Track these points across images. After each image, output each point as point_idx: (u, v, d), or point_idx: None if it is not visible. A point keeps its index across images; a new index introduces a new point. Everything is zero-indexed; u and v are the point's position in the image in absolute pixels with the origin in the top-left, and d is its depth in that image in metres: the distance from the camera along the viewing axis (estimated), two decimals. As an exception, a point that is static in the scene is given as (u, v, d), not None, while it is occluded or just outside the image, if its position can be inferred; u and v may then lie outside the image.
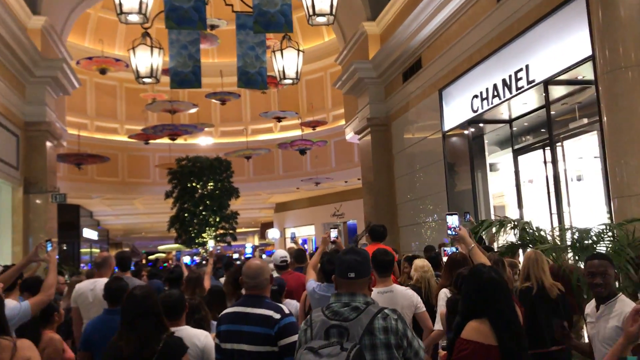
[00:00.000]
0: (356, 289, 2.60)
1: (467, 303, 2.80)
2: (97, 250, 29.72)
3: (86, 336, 4.00)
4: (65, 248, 23.75)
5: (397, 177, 13.34)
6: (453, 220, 3.74)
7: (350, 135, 16.27)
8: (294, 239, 9.81)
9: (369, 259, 2.75)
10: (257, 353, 3.12)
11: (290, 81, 7.62)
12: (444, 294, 4.58)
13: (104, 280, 4.95)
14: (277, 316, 3.16)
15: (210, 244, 19.52)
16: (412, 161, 12.51)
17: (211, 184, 20.71)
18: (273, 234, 29.51)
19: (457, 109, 10.42)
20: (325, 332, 2.50)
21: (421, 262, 5.59)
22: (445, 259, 6.35)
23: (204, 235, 20.76)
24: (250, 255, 37.75)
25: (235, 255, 39.90)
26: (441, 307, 4.53)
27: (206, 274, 6.69)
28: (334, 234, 5.55)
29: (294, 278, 6.09)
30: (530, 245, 6.26)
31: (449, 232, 3.71)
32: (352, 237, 13.18)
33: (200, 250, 21.24)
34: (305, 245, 28.73)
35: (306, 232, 28.08)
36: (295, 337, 2.92)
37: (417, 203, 12.23)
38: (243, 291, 3.45)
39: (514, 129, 9.70)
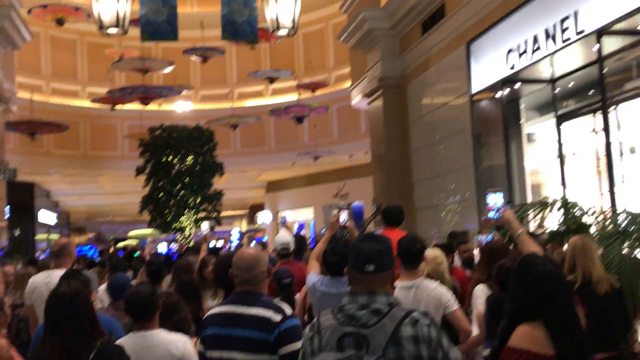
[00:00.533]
0: (376, 286, 2.48)
1: (516, 302, 2.77)
2: (56, 237, 29.75)
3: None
4: (17, 234, 23.69)
5: (413, 150, 13.33)
6: (496, 200, 3.53)
7: (357, 100, 16.28)
8: (284, 223, 9.71)
9: (392, 247, 2.60)
10: None
11: (285, 32, 7.42)
12: (481, 291, 4.47)
13: (62, 272, 4.99)
14: (278, 317, 3.14)
15: (204, 226, 19.47)
16: (432, 131, 12.47)
17: (190, 158, 20.71)
18: (264, 217, 29.57)
19: (488, 66, 10.30)
20: (338, 342, 2.42)
21: (433, 253, 5.55)
22: (476, 250, 6.24)
23: (182, 219, 20.79)
24: (237, 243, 37.95)
25: (220, 243, 39.99)
26: (478, 306, 4.49)
27: (197, 263, 6.63)
28: (343, 216, 5.53)
29: (297, 269, 6.09)
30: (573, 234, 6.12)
31: (492, 214, 3.51)
32: (359, 221, 13.13)
33: (178, 236, 21.19)
34: (302, 232, 28.83)
35: (303, 216, 28.15)
36: (299, 344, 2.83)
37: (438, 181, 12.22)
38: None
39: (558, 90, 9.60)
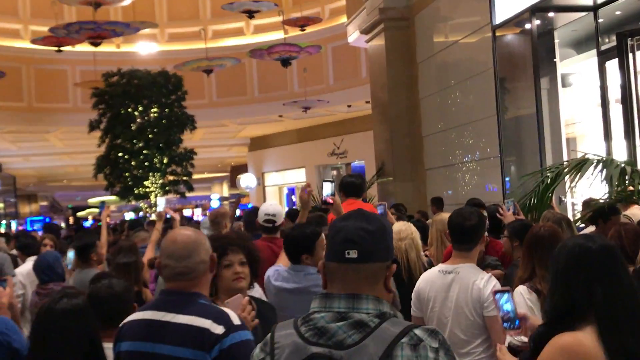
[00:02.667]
0: (361, 285, 2.10)
1: (557, 297, 2.55)
2: (0, 205, 29.50)
3: None
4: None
5: (422, 97, 13.26)
6: (504, 301, 3.43)
7: (354, 37, 16.21)
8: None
9: (388, 230, 2.20)
10: None
11: None
12: (522, 295, 4.04)
13: None
14: (218, 330, 2.76)
15: (160, 201, 19.24)
16: (445, 73, 12.39)
17: (155, 109, 20.66)
18: (247, 180, 29.59)
19: None
20: None
21: (398, 226, 5.42)
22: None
23: (146, 183, 20.72)
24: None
25: (195, 212, 39.84)
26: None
27: (150, 242, 6.62)
28: (327, 189, 5.31)
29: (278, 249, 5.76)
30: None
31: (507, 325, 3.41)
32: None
33: (142, 205, 21.00)
34: (293, 197, 28.66)
35: (293, 178, 28.28)
36: None
37: (453, 135, 12.16)
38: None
39: (601, 20, 9.41)
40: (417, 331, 2.02)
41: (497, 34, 10.66)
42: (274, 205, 6.15)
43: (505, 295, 3.41)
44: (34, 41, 18.36)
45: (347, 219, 2.19)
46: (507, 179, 10.56)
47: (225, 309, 2.88)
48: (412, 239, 5.39)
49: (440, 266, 4.27)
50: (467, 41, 11.56)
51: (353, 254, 2.09)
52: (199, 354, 2.73)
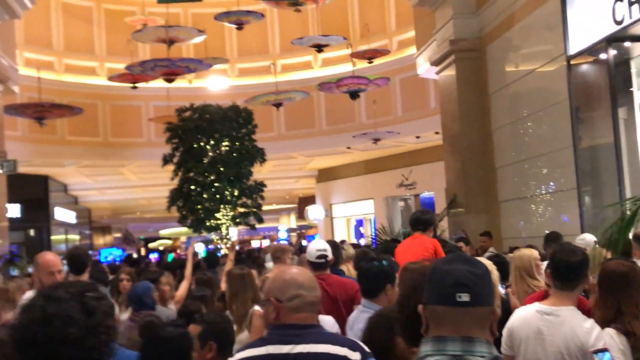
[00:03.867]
0: (473, 329, 2.10)
1: None
2: (76, 238, 30.12)
3: None
4: (32, 235, 23.98)
5: (495, 128, 13.13)
6: None
7: (424, 69, 16.19)
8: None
9: (491, 274, 2.21)
10: None
11: None
12: (612, 338, 3.84)
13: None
14: (356, 356, 2.78)
15: (232, 231, 19.33)
16: (518, 104, 12.29)
17: (226, 143, 20.68)
18: (315, 212, 29.45)
19: (589, 21, 10.01)
20: None
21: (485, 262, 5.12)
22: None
23: (217, 215, 20.68)
24: (284, 241, 37.93)
25: (263, 243, 39.91)
26: None
27: (224, 273, 6.93)
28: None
29: (336, 283, 5.79)
30: None
31: None
32: (453, 237, 13.05)
33: (213, 237, 21.10)
34: (361, 229, 28.49)
35: (362, 210, 27.93)
36: None
37: (526, 166, 12.02)
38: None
39: None
40: None
41: (572, 63, 10.43)
42: (323, 242, 6.25)
43: (607, 356, 3.29)
44: (110, 78, 18.75)
45: (451, 262, 2.18)
46: (583, 209, 10.32)
47: (354, 339, 2.97)
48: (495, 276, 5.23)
49: (538, 306, 4.04)
50: (541, 71, 11.40)
51: (465, 297, 2.08)
52: None
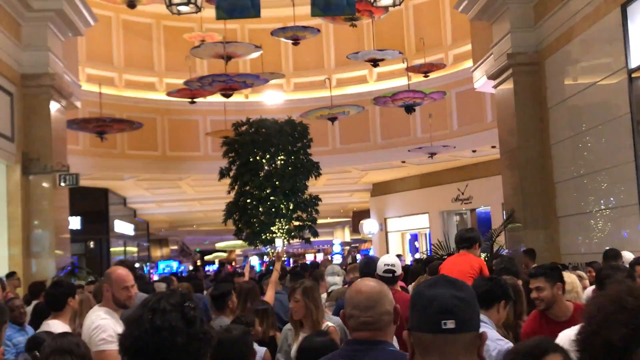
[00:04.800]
0: (459, 356, 2.06)
1: None
2: (134, 249, 30.63)
3: None
4: (92, 247, 24.48)
5: (553, 142, 12.96)
6: None
7: (481, 82, 16.11)
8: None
9: (476, 297, 2.16)
10: None
11: (389, 1, 6.94)
12: None
13: (99, 308, 4.96)
14: None
15: (278, 243, 19.42)
16: (577, 118, 12.18)
17: (282, 157, 20.83)
18: (370, 226, 29.39)
19: None
20: None
21: (566, 278, 5.12)
22: None
23: (273, 228, 20.82)
24: (339, 255, 37.93)
25: (317, 257, 39.95)
26: None
27: (270, 282, 7.14)
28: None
29: (402, 300, 5.59)
30: None
31: None
32: (486, 232, 12.84)
33: (269, 250, 21.20)
34: (416, 243, 28.34)
35: (417, 224, 27.87)
36: None
37: (586, 181, 11.86)
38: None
39: None
40: None
41: (633, 76, 10.24)
42: (393, 256, 6.24)
43: None
44: (169, 94, 19.03)
45: (434, 286, 2.13)
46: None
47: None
48: (577, 292, 5.24)
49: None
50: (601, 85, 11.23)
51: (450, 324, 2.03)
52: None
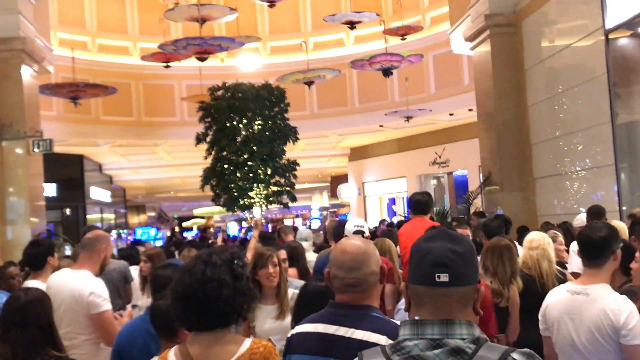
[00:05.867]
0: (454, 310, 2.04)
1: None
2: (111, 217, 30.47)
3: (116, 345, 4.26)
4: (68, 214, 24.31)
5: (530, 104, 12.98)
6: None
7: (458, 45, 16.13)
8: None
9: (475, 251, 2.13)
10: None
11: None
12: None
13: (78, 272, 5.12)
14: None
15: (256, 211, 19.35)
16: (554, 80, 12.13)
17: (259, 122, 20.69)
18: (348, 190, 29.43)
19: None
20: None
21: (531, 235, 5.48)
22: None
23: (251, 194, 20.78)
24: (318, 220, 37.97)
25: (296, 222, 40.00)
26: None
27: (249, 250, 6.95)
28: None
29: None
30: None
31: None
32: (462, 195, 12.89)
33: (247, 216, 21.18)
34: (394, 207, 28.44)
35: (394, 188, 28.04)
36: None
37: (562, 143, 11.88)
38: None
39: None
40: (515, 355, 1.95)
41: (610, 37, 10.23)
42: (360, 219, 6.64)
43: None
44: (143, 58, 18.81)
45: (432, 239, 2.11)
46: (620, 186, 10.19)
47: (393, 321, 2.85)
48: (543, 249, 5.32)
49: (569, 285, 4.02)
50: (578, 46, 11.22)
51: (444, 277, 2.02)
52: None
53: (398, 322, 2.70)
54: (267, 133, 20.70)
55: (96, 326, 4.94)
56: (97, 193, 26.64)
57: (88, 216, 25.15)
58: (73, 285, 4.97)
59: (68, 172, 23.21)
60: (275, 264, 5.14)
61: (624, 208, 9.51)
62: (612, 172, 10.14)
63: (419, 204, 7.17)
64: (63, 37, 20.52)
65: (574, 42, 11.30)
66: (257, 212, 20.69)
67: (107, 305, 4.99)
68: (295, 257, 6.64)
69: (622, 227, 5.94)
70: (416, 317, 2.05)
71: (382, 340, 2.69)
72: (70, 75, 17.43)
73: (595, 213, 8.06)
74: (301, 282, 5.25)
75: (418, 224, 6.96)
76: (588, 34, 10.80)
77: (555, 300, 4.03)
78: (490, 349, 1.95)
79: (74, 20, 21.45)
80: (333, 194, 34.89)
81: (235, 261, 2.72)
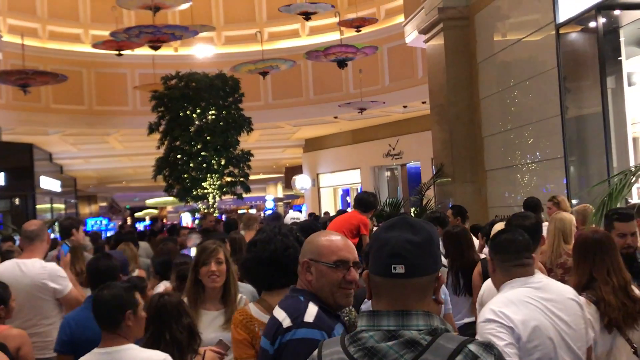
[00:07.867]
0: (410, 301, 2.02)
1: None
2: (62, 207, 30.01)
3: (67, 335, 4.31)
4: (17, 203, 23.88)
5: (482, 97, 13.06)
6: None
7: (412, 37, 16.04)
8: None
9: (435, 238, 2.09)
10: None
11: None
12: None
13: (34, 261, 5.31)
14: (286, 323, 2.85)
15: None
16: (505, 73, 12.22)
17: (212, 111, 20.56)
18: (302, 182, 29.45)
19: None
20: None
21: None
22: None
23: (204, 184, 20.67)
24: (271, 211, 37.93)
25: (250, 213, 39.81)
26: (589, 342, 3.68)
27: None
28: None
29: None
30: None
31: None
32: (415, 187, 12.98)
33: (200, 206, 21.05)
34: (348, 198, 28.54)
35: (348, 179, 28.12)
36: None
37: (513, 135, 11.99)
38: None
39: None
40: (472, 347, 1.93)
41: (561, 32, 10.35)
42: (298, 212, 6.84)
43: None
44: (94, 45, 18.54)
45: (391, 228, 2.07)
46: (569, 178, 10.36)
47: (311, 305, 2.88)
48: None
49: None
50: (529, 40, 11.32)
51: (400, 269, 1.99)
52: (268, 345, 2.88)
53: (308, 307, 2.84)
54: (221, 123, 20.59)
55: (66, 306, 5.25)
56: (47, 182, 26.20)
57: (38, 206, 24.73)
58: (33, 274, 5.16)
59: (17, 161, 22.84)
60: (221, 261, 4.36)
61: (574, 201, 9.65)
62: (562, 165, 10.28)
63: (360, 200, 7.72)
64: (13, 23, 20.18)
65: (526, 36, 11.39)
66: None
67: (69, 284, 5.29)
68: (234, 250, 6.14)
69: (570, 218, 6.03)
70: (370, 309, 2.04)
71: (282, 316, 2.86)
72: (20, 62, 17.14)
73: (532, 206, 8.16)
74: (249, 286, 4.62)
75: (347, 216, 7.54)
76: (539, 28, 10.89)
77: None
78: (448, 339, 1.93)
79: (24, 6, 21.12)
80: (287, 185, 34.86)
81: (294, 232, 3.51)
